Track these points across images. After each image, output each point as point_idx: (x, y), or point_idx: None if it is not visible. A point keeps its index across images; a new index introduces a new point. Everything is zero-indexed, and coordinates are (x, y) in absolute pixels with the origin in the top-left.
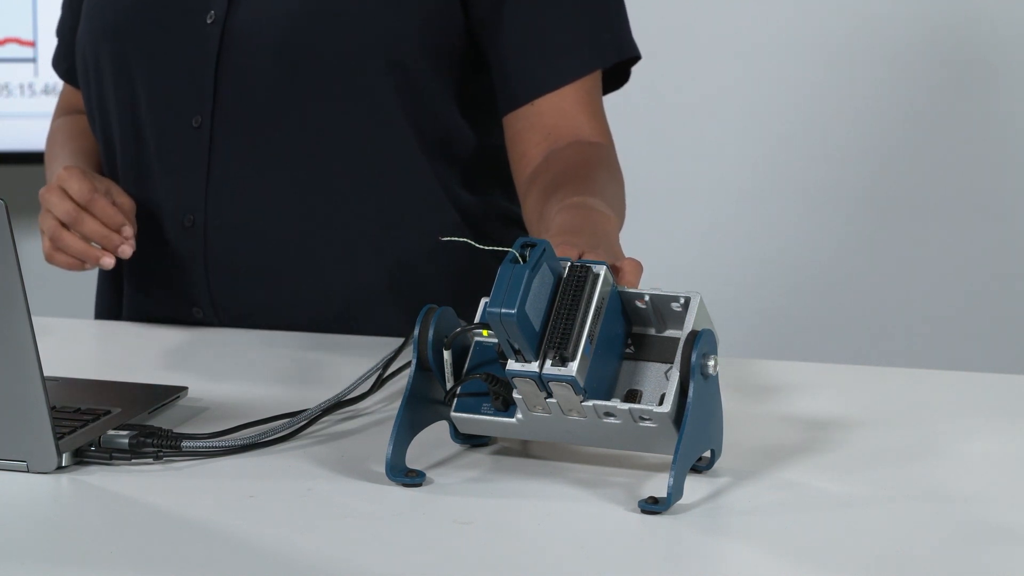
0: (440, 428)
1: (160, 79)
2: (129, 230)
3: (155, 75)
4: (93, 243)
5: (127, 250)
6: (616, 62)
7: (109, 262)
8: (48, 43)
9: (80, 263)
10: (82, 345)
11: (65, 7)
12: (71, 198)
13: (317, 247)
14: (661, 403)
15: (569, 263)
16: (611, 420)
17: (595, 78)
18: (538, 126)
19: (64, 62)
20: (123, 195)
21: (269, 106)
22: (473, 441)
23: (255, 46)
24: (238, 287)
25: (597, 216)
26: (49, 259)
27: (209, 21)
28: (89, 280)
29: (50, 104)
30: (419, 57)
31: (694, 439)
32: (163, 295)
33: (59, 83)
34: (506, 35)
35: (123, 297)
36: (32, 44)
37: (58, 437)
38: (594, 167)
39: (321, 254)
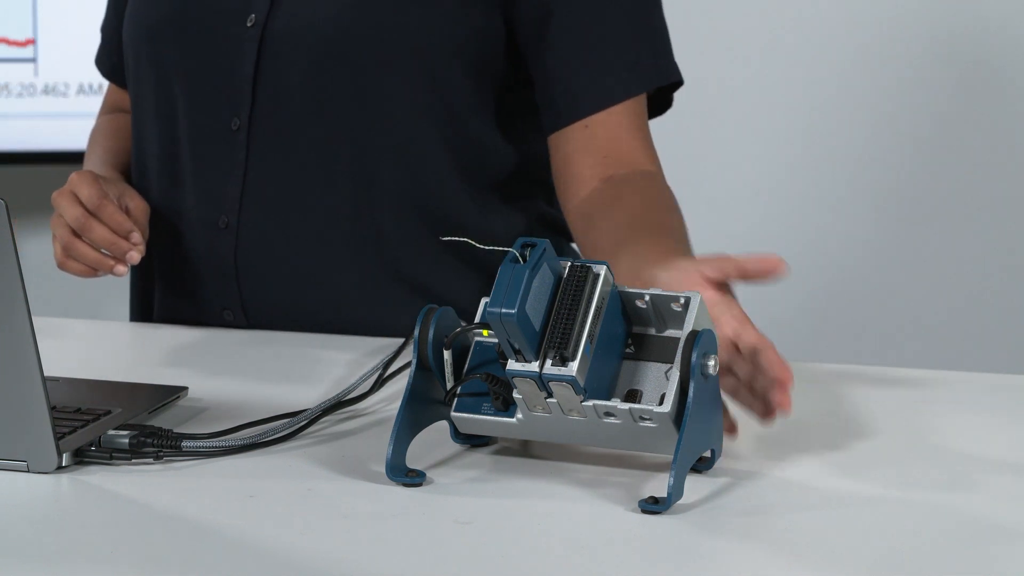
0: (440, 428)
1: (200, 81)
2: (137, 235)
3: (194, 77)
4: (104, 251)
5: (135, 256)
6: (661, 86)
7: (122, 270)
8: (48, 43)
9: (92, 271)
10: (82, 345)
11: (109, 6)
12: (81, 203)
13: (349, 251)
14: (661, 403)
15: (569, 263)
16: (611, 420)
17: (642, 102)
18: (592, 148)
19: (107, 60)
20: (136, 199)
21: (305, 110)
22: (473, 441)
23: (294, 51)
24: (269, 290)
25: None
26: (61, 266)
27: (249, 24)
28: (89, 280)
29: (50, 104)
30: (457, 70)
31: (694, 439)
32: (194, 298)
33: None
34: (553, 55)
35: (154, 300)
36: (28, 43)
37: (58, 437)
38: (666, 210)
39: (353, 258)
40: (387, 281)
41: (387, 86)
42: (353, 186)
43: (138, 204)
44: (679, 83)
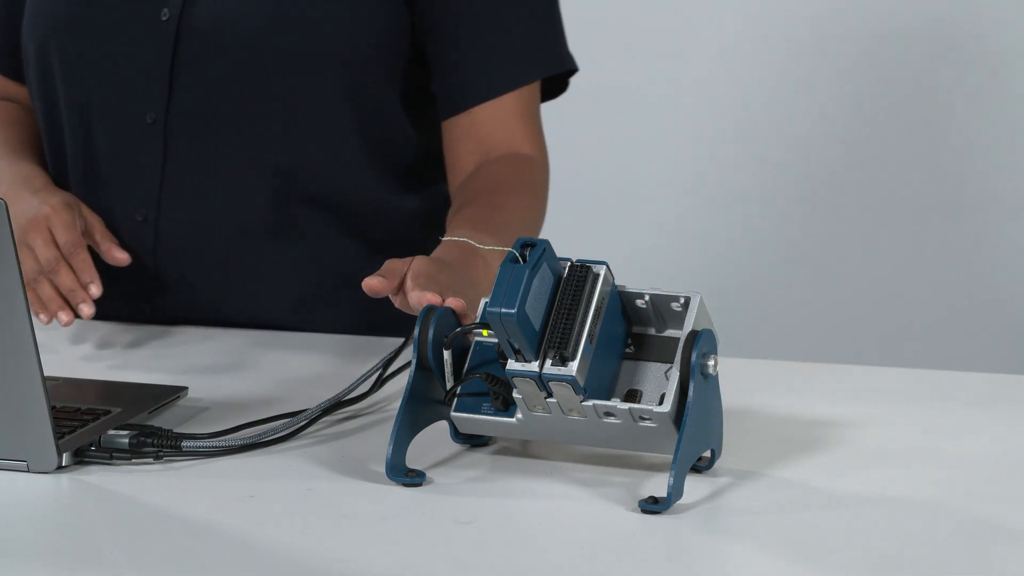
0: (440, 428)
1: (112, 75)
2: (95, 290)
3: (107, 71)
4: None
5: (85, 310)
6: (555, 74)
7: (65, 319)
8: None
9: (46, 310)
10: (82, 345)
11: None
12: (56, 245)
13: (269, 244)
14: (661, 403)
15: (569, 263)
16: (611, 420)
17: (532, 90)
18: (472, 136)
19: None
20: (91, 213)
21: (224, 104)
22: (473, 441)
23: (211, 45)
24: (189, 284)
25: (470, 258)
26: None
27: (164, 18)
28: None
29: None
30: (373, 63)
31: (694, 439)
32: (112, 291)
33: None
34: (449, 44)
35: None
36: None
37: (58, 437)
38: (512, 190)
39: (273, 252)
40: (307, 274)
41: (306, 79)
42: (272, 179)
43: (96, 220)
44: (572, 70)
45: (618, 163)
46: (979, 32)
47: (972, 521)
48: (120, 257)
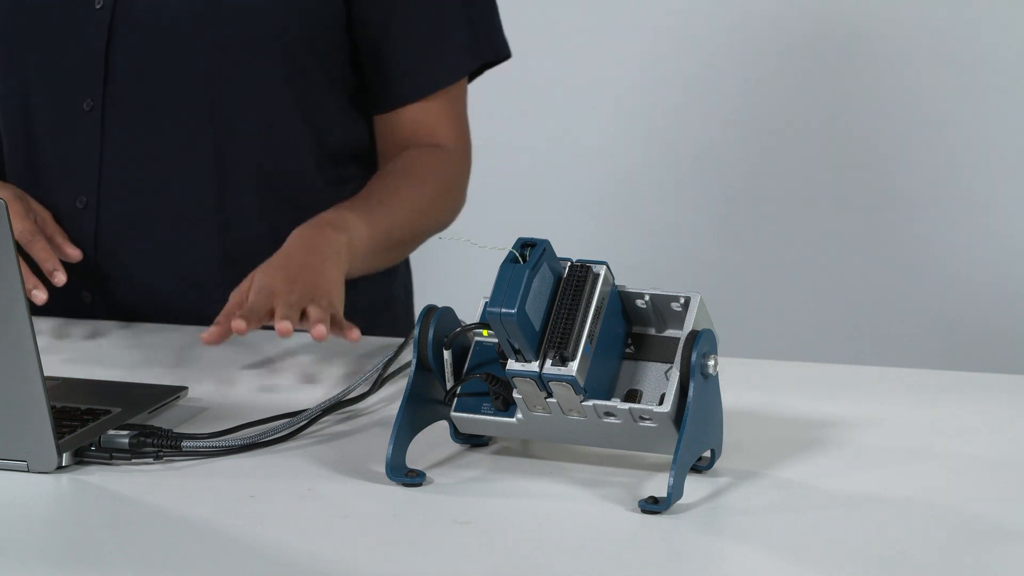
0: (440, 428)
1: (49, 63)
2: (61, 276)
3: (44, 58)
4: None
5: (40, 296)
6: (488, 61)
7: None
8: None
9: None
10: (82, 345)
11: None
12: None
13: (208, 231)
14: (661, 403)
15: (569, 263)
16: (611, 420)
17: (459, 84)
18: (399, 132)
19: None
20: (40, 207)
21: (161, 90)
22: (473, 441)
23: (146, 32)
24: (129, 271)
25: (323, 237)
26: None
27: (98, 6)
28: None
29: None
30: (309, 48)
31: (694, 439)
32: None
33: None
34: (387, 41)
35: None
36: None
37: (58, 437)
38: (413, 176)
39: (212, 238)
40: (247, 262)
41: (242, 65)
42: (212, 167)
43: (44, 214)
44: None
45: (618, 162)
46: (976, 30)
47: (972, 521)
48: (72, 253)
